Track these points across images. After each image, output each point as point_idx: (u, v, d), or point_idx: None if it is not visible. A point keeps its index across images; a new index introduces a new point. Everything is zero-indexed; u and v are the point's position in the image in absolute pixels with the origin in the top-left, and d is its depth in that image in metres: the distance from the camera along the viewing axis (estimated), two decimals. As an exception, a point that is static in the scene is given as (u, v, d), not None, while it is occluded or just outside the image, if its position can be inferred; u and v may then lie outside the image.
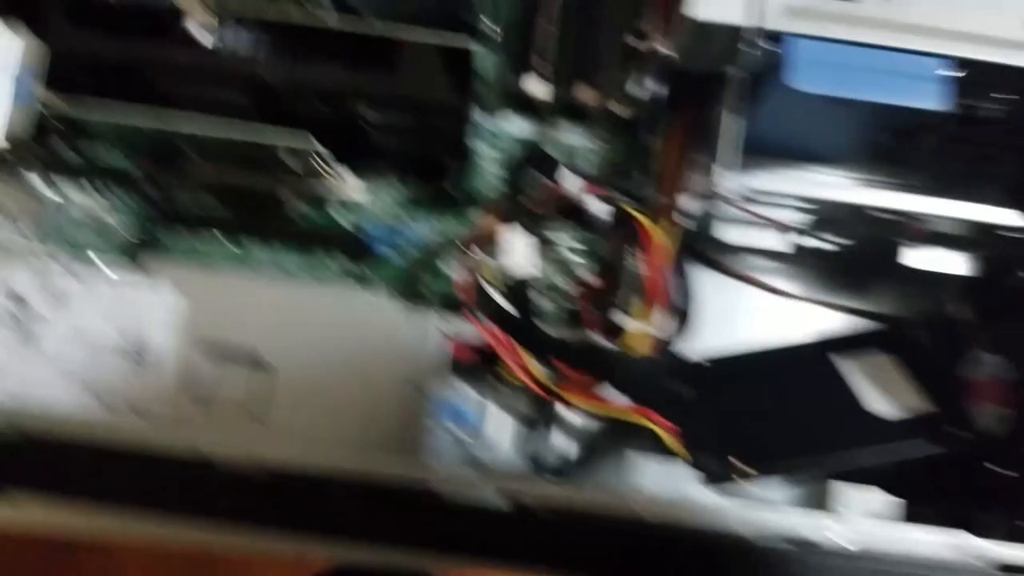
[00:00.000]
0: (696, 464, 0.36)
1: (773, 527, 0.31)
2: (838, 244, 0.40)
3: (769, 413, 0.39)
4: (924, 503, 0.36)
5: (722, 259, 0.42)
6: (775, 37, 0.35)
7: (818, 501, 0.38)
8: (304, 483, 0.32)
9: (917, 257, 0.38)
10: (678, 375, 0.39)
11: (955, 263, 0.38)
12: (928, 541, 0.31)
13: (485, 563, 0.32)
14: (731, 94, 0.36)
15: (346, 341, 0.35)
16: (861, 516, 0.36)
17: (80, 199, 0.42)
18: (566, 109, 0.41)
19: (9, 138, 0.34)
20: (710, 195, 0.37)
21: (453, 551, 0.32)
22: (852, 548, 0.30)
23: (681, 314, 0.40)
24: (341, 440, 0.34)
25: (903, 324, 0.40)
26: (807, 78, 0.34)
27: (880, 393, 0.39)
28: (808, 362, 0.41)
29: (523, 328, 0.35)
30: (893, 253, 0.39)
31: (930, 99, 0.34)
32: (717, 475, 0.37)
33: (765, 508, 0.32)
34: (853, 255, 0.41)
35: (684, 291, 0.41)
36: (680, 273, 0.40)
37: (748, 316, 0.42)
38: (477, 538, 0.32)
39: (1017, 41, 0.35)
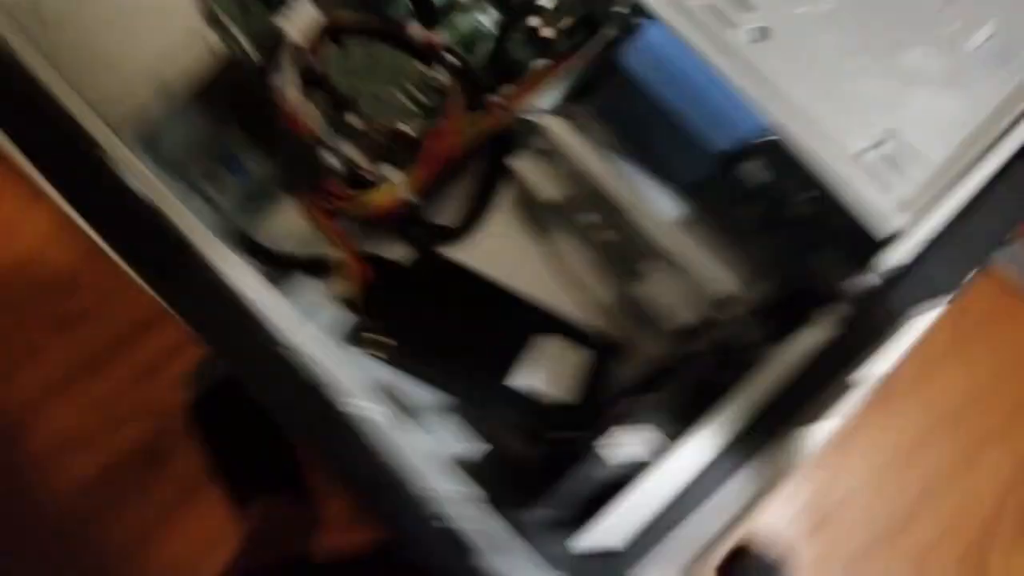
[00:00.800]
0: (355, 315, 0.39)
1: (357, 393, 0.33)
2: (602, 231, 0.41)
3: (448, 325, 0.41)
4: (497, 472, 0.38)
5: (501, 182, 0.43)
6: (642, 13, 0.36)
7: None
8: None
9: (650, 286, 0.39)
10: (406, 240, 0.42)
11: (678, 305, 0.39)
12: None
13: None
14: (589, 45, 0.38)
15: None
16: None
17: None
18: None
19: None
20: (525, 120, 0.39)
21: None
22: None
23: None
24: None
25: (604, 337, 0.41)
26: (637, 59, 0.35)
27: (544, 372, 0.40)
28: (508, 311, 0.42)
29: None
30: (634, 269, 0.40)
31: (723, 143, 0.35)
32: (356, 335, 0.39)
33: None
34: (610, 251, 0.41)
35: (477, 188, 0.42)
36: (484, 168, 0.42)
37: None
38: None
39: (840, 149, 0.34)
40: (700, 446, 0.32)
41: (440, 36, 0.40)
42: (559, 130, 0.37)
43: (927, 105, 0.35)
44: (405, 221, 0.43)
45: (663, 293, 0.38)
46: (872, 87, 0.35)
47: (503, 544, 0.31)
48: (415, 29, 0.39)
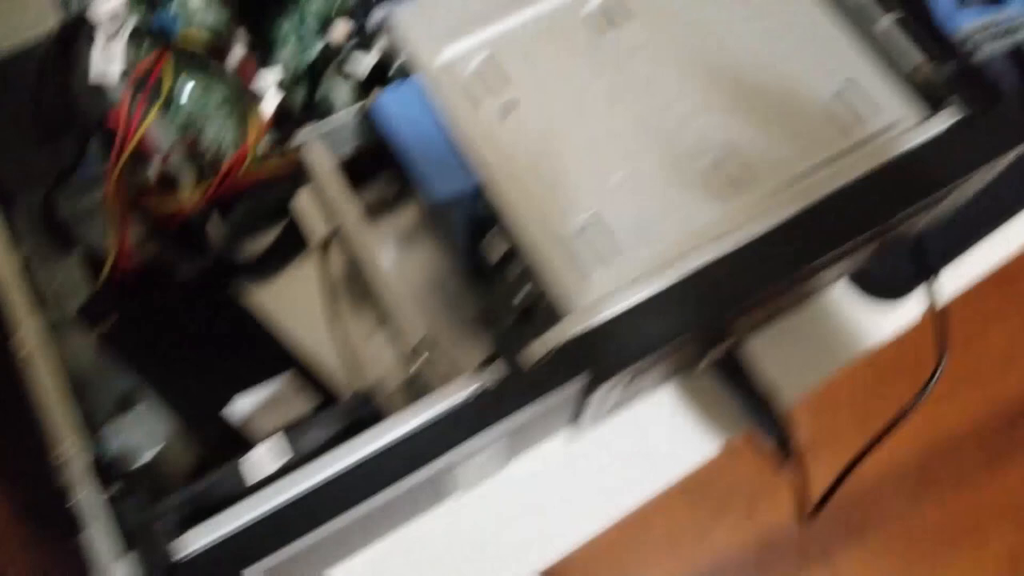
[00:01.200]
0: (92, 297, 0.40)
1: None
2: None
3: (196, 340, 0.42)
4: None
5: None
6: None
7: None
8: None
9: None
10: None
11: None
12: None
13: None
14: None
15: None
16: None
17: None
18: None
19: None
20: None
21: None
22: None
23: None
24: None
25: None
26: (389, 104, 0.38)
27: (260, 404, 0.40)
28: (265, 352, 0.42)
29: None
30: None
31: (441, 193, 0.36)
32: (82, 306, 0.40)
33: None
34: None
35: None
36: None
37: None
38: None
39: (544, 224, 0.35)
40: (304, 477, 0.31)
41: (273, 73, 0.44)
42: (315, 158, 0.39)
43: (643, 205, 0.35)
44: (202, 243, 0.45)
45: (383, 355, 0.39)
46: (599, 176, 0.36)
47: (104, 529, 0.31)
48: (236, 54, 0.42)
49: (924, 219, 0.40)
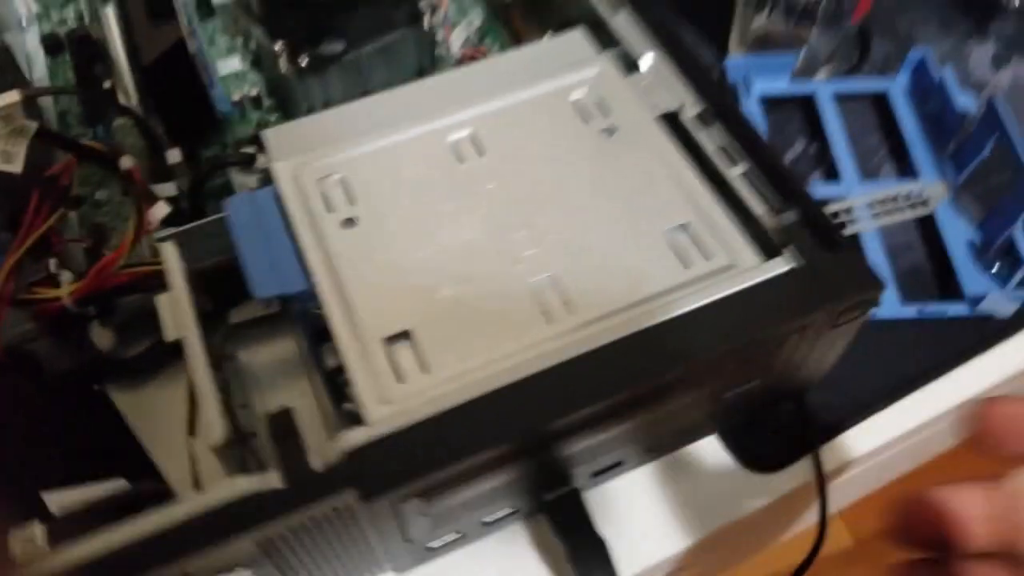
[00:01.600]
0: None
1: None
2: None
3: (57, 435, 0.41)
4: None
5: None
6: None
7: None
8: None
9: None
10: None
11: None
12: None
13: None
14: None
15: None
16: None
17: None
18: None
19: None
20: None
21: None
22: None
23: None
24: None
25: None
26: (237, 206, 0.38)
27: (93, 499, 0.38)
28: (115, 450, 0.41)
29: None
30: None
31: (265, 291, 0.36)
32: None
33: None
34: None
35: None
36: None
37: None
38: None
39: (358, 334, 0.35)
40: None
41: (169, 186, 0.46)
42: (167, 258, 0.39)
43: (460, 325, 0.35)
44: (78, 336, 0.45)
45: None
46: (423, 294, 0.35)
47: None
48: (125, 160, 0.44)
49: (778, 373, 0.37)
